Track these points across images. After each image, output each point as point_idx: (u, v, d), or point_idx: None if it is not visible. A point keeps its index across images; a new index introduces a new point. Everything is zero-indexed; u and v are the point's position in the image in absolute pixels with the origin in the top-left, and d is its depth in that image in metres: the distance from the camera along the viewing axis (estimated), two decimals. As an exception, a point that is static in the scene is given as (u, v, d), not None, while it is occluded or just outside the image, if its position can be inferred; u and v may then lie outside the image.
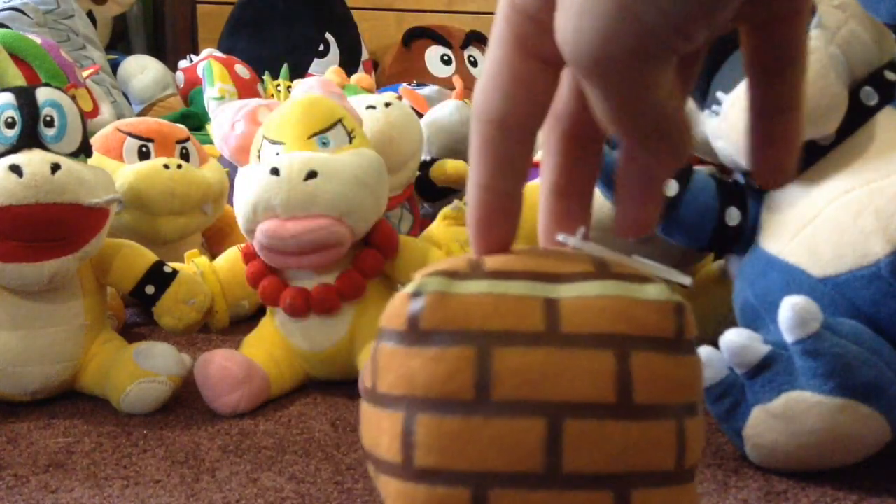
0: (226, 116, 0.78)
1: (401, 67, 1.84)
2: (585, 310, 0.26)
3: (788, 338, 0.52)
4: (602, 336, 0.26)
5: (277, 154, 0.68)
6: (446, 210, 0.83)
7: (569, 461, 0.25)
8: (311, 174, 0.65)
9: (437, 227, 0.86)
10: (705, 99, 0.62)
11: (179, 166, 0.88)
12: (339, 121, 0.70)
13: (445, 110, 1.12)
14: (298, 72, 1.48)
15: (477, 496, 0.25)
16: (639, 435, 0.25)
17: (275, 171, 0.65)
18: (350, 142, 0.70)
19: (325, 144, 0.69)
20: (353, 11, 1.84)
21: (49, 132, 0.65)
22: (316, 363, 0.72)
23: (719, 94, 0.59)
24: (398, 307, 0.27)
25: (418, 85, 1.40)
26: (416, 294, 0.26)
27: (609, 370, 0.25)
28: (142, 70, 1.58)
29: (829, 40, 0.57)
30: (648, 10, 0.21)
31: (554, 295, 0.26)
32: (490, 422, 0.25)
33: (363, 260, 0.70)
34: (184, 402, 0.69)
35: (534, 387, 0.25)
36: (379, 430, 0.27)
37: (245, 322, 0.86)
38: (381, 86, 1.53)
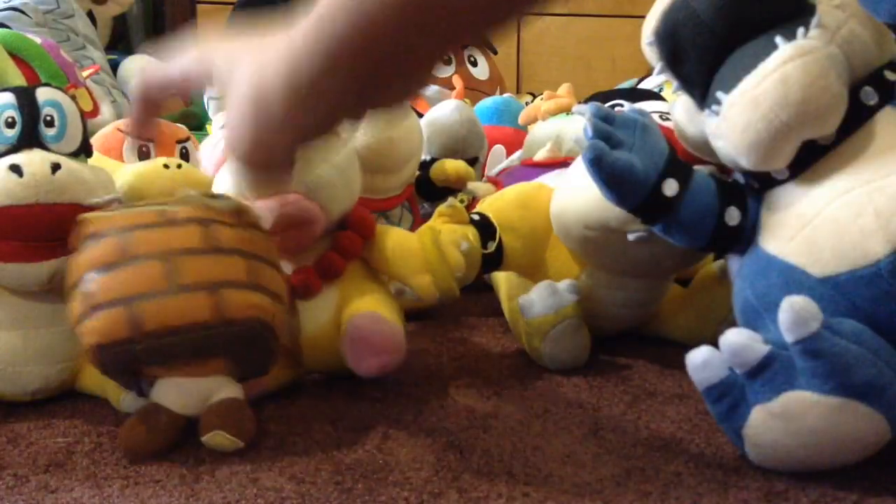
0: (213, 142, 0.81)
1: (401, 67, 1.84)
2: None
3: (788, 338, 0.52)
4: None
5: None
6: (442, 207, 0.83)
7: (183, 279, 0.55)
8: None
9: (434, 224, 0.86)
10: (705, 99, 0.62)
11: (179, 166, 0.88)
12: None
13: (445, 110, 1.12)
14: (298, 72, 1.48)
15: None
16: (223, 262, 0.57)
17: None
18: None
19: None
20: (353, 11, 1.83)
21: (49, 132, 0.66)
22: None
23: (719, 94, 0.59)
24: None
25: (418, 85, 1.40)
26: None
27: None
28: (142, 70, 1.58)
29: (829, 40, 0.57)
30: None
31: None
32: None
33: (340, 241, 0.71)
34: (184, 402, 0.69)
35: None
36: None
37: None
38: (381, 86, 1.52)
